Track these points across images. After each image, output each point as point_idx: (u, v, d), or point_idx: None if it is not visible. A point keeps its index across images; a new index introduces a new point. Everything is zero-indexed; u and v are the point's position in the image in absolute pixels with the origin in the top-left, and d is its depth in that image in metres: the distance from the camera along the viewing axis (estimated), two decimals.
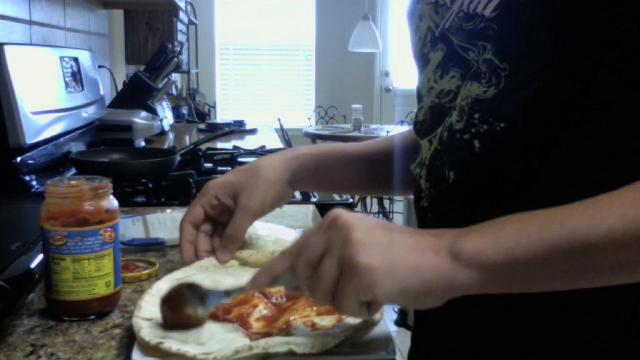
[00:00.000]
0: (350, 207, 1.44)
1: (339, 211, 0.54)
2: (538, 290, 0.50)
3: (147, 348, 0.62)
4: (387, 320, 0.82)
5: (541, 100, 0.50)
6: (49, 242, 0.71)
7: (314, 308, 0.70)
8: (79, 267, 0.71)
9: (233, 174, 0.82)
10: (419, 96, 0.69)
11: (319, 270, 0.53)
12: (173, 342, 0.62)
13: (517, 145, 0.55)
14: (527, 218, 0.50)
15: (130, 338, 0.69)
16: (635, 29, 0.49)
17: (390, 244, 0.50)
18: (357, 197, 4.93)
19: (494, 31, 0.55)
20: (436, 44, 0.63)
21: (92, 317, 0.74)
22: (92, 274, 0.72)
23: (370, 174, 0.86)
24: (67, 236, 0.70)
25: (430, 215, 0.65)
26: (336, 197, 1.48)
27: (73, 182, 0.74)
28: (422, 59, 0.67)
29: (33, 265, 0.83)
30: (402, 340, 0.71)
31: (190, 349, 0.60)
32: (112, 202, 0.74)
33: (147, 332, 0.64)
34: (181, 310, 0.65)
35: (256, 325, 0.68)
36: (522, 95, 0.52)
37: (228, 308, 0.71)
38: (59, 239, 0.70)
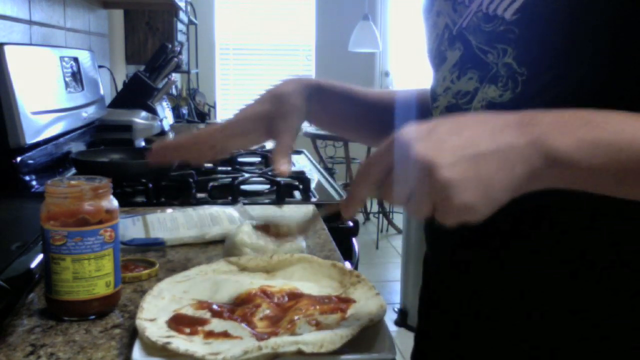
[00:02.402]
0: None
1: (409, 138, 0.49)
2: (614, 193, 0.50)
3: (150, 348, 0.62)
4: (387, 320, 0.82)
5: (556, 106, 0.50)
6: (49, 242, 0.71)
7: (317, 307, 0.70)
8: (79, 267, 0.71)
9: (260, 105, 0.81)
10: (434, 95, 0.69)
11: (411, 202, 0.50)
12: (180, 342, 0.62)
13: None
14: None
15: (130, 338, 0.69)
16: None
17: (478, 167, 0.47)
18: None
19: (514, 35, 0.55)
20: (454, 42, 0.63)
21: (92, 317, 0.74)
22: (92, 274, 0.72)
23: (372, 120, 0.86)
24: (67, 236, 0.70)
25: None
26: (336, 197, 1.48)
27: (73, 182, 0.74)
28: (439, 56, 0.66)
29: (33, 265, 0.83)
30: (402, 340, 0.71)
31: (198, 349, 0.60)
32: (112, 202, 0.74)
33: (153, 332, 0.64)
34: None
35: (260, 325, 0.68)
36: (537, 102, 0.52)
37: (232, 308, 0.71)
38: (59, 239, 0.70)
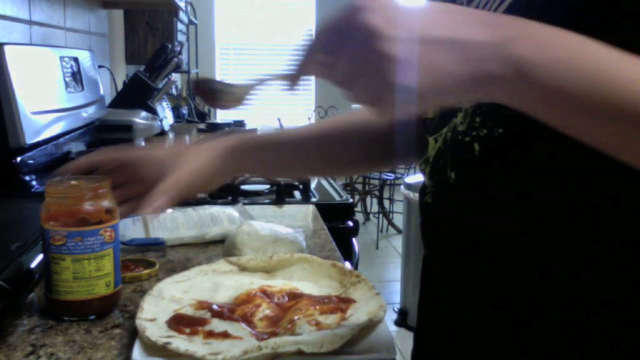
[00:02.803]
0: (350, 207, 1.44)
1: (361, 5, 0.44)
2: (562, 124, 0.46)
3: (150, 348, 0.62)
4: (387, 320, 0.82)
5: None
6: (49, 242, 0.71)
7: (317, 307, 0.70)
8: (79, 267, 0.71)
9: (160, 150, 0.78)
10: None
11: (347, 70, 0.45)
12: (180, 342, 0.62)
13: (514, 152, 0.55)
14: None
15: (130, 338, 0.69)
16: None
17: (427, 51, 0.42)
18: (357, 197, 4.93)
19: None
20: None
21: (92, 317, 0.74)
22: (92, 274, 0.72)
23: (317, 155, 0.84)
24: (67, 236, 0.70)
25: (433, 212, 0.66)
26: (336, 197, 1.48)
27: (73, 182, 0.74)
28: None
29: (33, 265, 0.83)
30: (402, 340, 0.71)
31: (198, 349, 0.60)
32: (112, 202, 0.74)
33: (153, 332, 0.64)
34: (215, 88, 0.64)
35: (260, 325, 0.68)
36: None
37: (232, 308, 0.71)
38: (59, 239, 0.70)
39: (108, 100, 2.33)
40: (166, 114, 2.68)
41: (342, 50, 0.45)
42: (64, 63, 1.66)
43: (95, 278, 0.72)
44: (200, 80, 0.65)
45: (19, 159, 1.30)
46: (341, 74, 0.46)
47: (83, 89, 1.81)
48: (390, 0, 0.44)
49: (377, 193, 4.85)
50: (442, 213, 0.64)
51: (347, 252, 1.32)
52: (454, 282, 0.64)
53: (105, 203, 0.73)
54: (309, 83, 6.03)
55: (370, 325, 0.65)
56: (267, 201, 1.40)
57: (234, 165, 0.79)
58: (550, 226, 0.55)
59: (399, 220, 4.59)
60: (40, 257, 0.84)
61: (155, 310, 0.70)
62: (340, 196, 1.48)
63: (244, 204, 1.28)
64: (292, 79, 0.53)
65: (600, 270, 0.54)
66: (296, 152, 0.82)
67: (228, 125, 2.93)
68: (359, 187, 5.02)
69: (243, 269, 0.85)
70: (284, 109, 5.80)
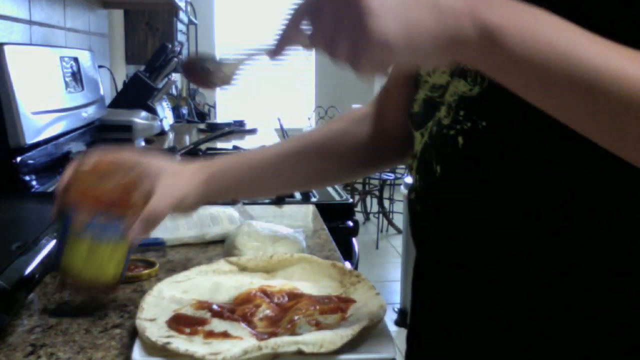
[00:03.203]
0: (350, 207, 1.44)
1: None
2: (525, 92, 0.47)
3: (150, 348, 0.62)
4: (387, 320, 0.82)
5: (523, 101, 0.49)
6: (70, 220, 0.69)
7: (317, 307, 0.70)
8: (93, 252, 0.70)
9: (158, 162, 0.77)
10: (416, 86, 0.70)
11: (332, 38, 0.48)
12: (180, 342, 0.62)
13: (498, 145, 0.56)
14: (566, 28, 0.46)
15: (130, 338, 0.69)
16: (630, 35, 0.49)
17: (405, 8, 0.45)
18: (357, 197, 4.93)
19: None
20: None
21: (94, 298, 0.75)
22: (103, 261, 0.71)
23: (285, 176, 0.84)
24: (91, 220, 0.69)
25: (419, 207, 0.66)
26: (336, 197, 1.48)
27: (103, 170, 0.71)
28: None
29: (33, 265, 0.83)
30: (402, 340, 0.71)
31: (198, 349, 0.60)
32: (141, 196, 0.72)
33: (153, 332, 0.64)
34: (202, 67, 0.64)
35: (260, 325, 0.68)
36: (504, 96, 0.52)
37: (232, 308, 0.71)
38: (82, 219, 0.69)
39: (108, 100, 2.33)
40: (166, 114, 2.68)
41: (322, 13, 0.47)
42: (64, 63, 1.66)
43: (106, 265, 0.71)
44: (190, 59, 0.65)
45: (19, 159, 1.30)
46: (322, 35, 0.48)
47: (83, 89, 1.81)
48: None
49: (377, 193, 4.85)
50: (427, 207, 0.64)
51: (347, 252, 1.32)
52: (443, 281, 0.64)
53: (135, 197, 0.71)
54: (309, 83, 6.03)
55: (370, 325, 0.65)
56: (267, 201, 1.40)
57: (213, 192, 0.79)
58: (536, 219, 0.55)
59: (399, 220, 4.59)
60: (40, 257, 0.85)
61: (155, 310, 0.70)
62: (340, 196, 1.48)
63: (244, 204, 1.28)
64: (277, 48, 0.55)
65: (594, 262, 0.54)
66: (273, 171, 0.83)
67: (228, 125, 2.93)
68: (359, 187, 5.02)
69: (243, 269, 0.85)
70: (284, 108, 5.80)
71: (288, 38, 0.53)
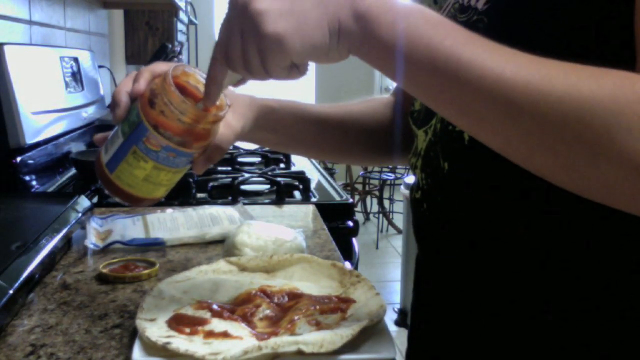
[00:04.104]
0: (350, 207, 1.44)
1: None
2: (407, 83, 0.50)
3: (150, 348, 0.62)
4: (387, 320, 0.82)
5: None
6: (142, 139, 0.64)
7: (317, 307, 0.70)
8: (154, 174, 0.67)
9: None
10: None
11: (243, 56, 0.53)
12: (180, 342, 0.62)
13: None
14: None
15: (130, 338, 0.69)
16: (624, 27, 0.49)
17: (292, 3, 0.50)
18: (357, 197, 4.93)
19: (484, 24, 0.55)
20: None
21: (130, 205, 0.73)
22: (162, 182, 0.68)
23: (320, 138, 0.85)
24: (163, 148, 0.65)
25: (425, 205, 0.65)
26: (336, 197, 1.48)
27: (190, 82, 0.67)
28: None
29: (33, 265, 0.83)
30: (402, 340, 0.71)
31: (198, 349, 0.60)
32: (219, 129, 0.69)
33: (153, 332, 0.64)
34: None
35: (260, 325, 0.68)
36: None
37: (232, 308, 0.71)
38: (154, 144, 0.64)
39: (108, 100, 2.33)
40: None
41: (229, 42, 0.53)
42: (64, 63, 1.66)
43: (162, 185, 0.69)
44: (178, 76, 0.65)
45: (19, 159, 1.30)
46: (235, 58, 0.53)
47: (83, 89, 1.81)
48: None
49: (377, 193, 4.85)
50: (435, 205, 0.64)
51: (347, 252, 1.32)
52: (447, 279, 0.64)
53: (216, 128, 0.67)
54: (309, 83, 6.03)
55: (370, 325, 0.65)
56: (267, 201, 1.40)
57: (259, 129, 0.79)
58: (548, 217, 0.54)
59: (399, 220, 4.59)
60: (40, 257, 0.85)
61: (155, 310, 0.70)
62: (340, 196, 1.48)
63: (244, 204, 1.28)
64: (210, 98, 0.60)
65: (600, 263, 0.54)
66: (315, 128, 0.83)
67: None
68: (359, 187, 5.02)
69: (243, 269, 0.85)
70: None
71: (217, 68, 0.58)
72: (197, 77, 0.67)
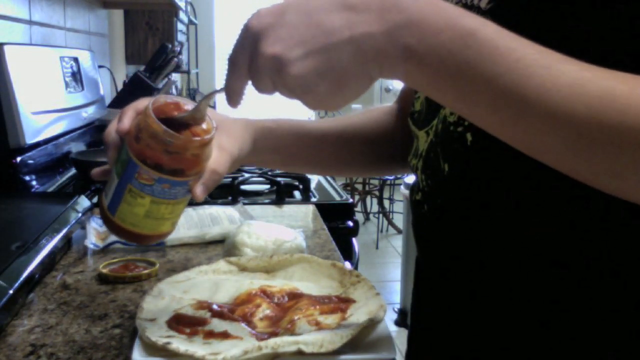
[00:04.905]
0: (350, 207, 1.44)
1: (256, 31, 0.48)
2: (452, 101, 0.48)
3: (150, 348, 0.62)
4: (387, 320, 0.82)
5: None
6: (134, 175, 0.64)
7: (317, 307, 0.70)
8: (154, 209, 0.66)
9: (212, 114, 0.75)
10: None
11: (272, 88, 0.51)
12: (180, 343, 0.62)
13: None
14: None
15: (130, 338, 0.69)
16: (631, 29, 0.49)
17: (329, 58, 0.46)
18: (357, 197, 4.93)
19: None
20: None
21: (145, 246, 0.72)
22: (164, 216, 0.67)
23: (320, 153, 0.84)
24: (157, 180, 0.64)
25: (426, 207, 0.65)
26: (336, 197, 1.48)
27: (180, 135, 0.64)
28: None
29: (33, 265, 0.83)
30: (402, 340, 0.71)
31: (198, 349, 0.60)
32: (208, 154, 0.67)
33: (153, 332, 0.64)
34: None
35: (260, 325, 0.68)
36: None
37: (232, 308, 0.71)
38: (147, 179, 0.64)
39: (108, 100, 2.33)
40: None
41: (259, 73, 0.49)
42: (64, 63, 1.66)
43: (165, 219, 0.67)
44: (160, 107, 0.64)
45: (19, 159, 1.30)
46: (269, 88, 0.50)
47: (83, 89, 1.81)
48: (281, 11, 0.47)
49: (377, 193, 4.85)
50: (435, 207, 0.64)
51: (347, 252, 1.32)
52: (447, 281, 0.64)
53: (207, 153, 0.66)
54: None
55: (370, 325, 0.65)
56: (267, 201, 1.40)
57: (257, 151, 0.77)
58: (549, 218, 0.54)
59: (399, 220, 4.59)
60: (40, 257, 0.85)
61: (155, 310, 0.70)
62: (340, 196, 1.48)
63: (244, 204, 1.28)
64: (230, 100, 0.56)
65: (601, 264, 0.54)
66: (314, 144, 0.82)
67: None
68: (359, 187, 5.02)
69: (243, 269, 0.85)
70: (283, 108, 5.80)
71: (237, 89, 0.55)
72: (181, 105, 0.66)
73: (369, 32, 0.45)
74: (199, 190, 0.67)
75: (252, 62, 0.49)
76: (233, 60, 0.51)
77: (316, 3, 0.47)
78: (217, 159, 0.70)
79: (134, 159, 0.64)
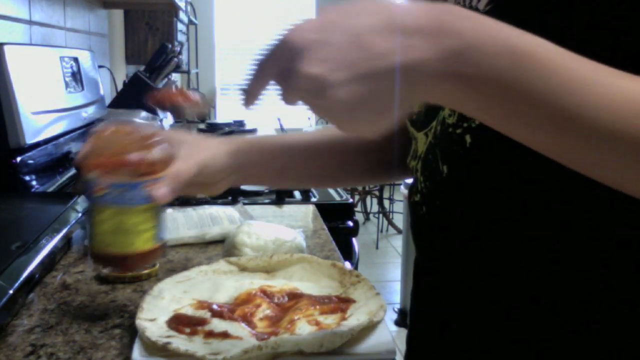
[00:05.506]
0: (350, 207, 1.44)
1: (297, 48, 0.44)
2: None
3: (150, 348, 0.62)
4: (387, 320, 0.82)
5: None
6: (93, 195, 0.66)
7: (317, 307, 0.70)
8: (119, 221, 0.67)
9: (183, 133, 0.76)
10: None
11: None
12: (180, 342, 0.62)
13: (509, 142, 0.55)
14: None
15: (130, 338, 0.69)
16: (633, 32, 0.49)
17: (376, 86, 0.43)
18: (357, 197, 4.93)
19: None
20: None
21: (132, 270, 0.72)
22: (133, 229, 0.67)
23: (310, 164, 0.82)
24: (110, 187, 0.65)
25: (424, 208, 0.65)
26: (336, 197, 1.48)
27: (119, 130, 0.68)
28: None
29: (33, 265, 0.83)
30: (402, 340, 0.71)
31: (198, 349, 0.60)
32: (160, 154, 0.69)
33: (153, 332, 0.64)
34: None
35: (260, 325, 0.68)
36: None
37: (232, 308, 0.71)
38: (101, 189, 0.65)
39: (108, 100, 2.33)
40: (166, 114, 2.68)
41: (293, 87, 0.45)
42: (64, 63, 1.66)
43: (136, 232, 0.67)
44: (109, 127, 0.67)
45: (19, 159, 1.30)
46: (298, 100, 0.47)
47: (83, 89, 1.81)
48: (324, 28, 0.44)
49: (377, 193, 4.85)
50: (433, 209, 0.64)
51: (347, 252, 1.32)
52: (446, 282, 0.64)
53: (153, 154, 0.68)
54: None
55: (370, 325, 0.65)
56: (267, 201, 1.40)
57: (238, 165, 0.76)
58: (548, 222, 0.54)
59: (399, 220, 4.59)
60: (40, 257, 0.85)
61: (155, 310, 0.70)
62: (340, 196, 1.48)
63: (244, 204, 1.28)
64: (247, 100, 0.54)
65: (600, 265, 0.54)
66: (300, 157, 0.80)
67: (228, 125, 2.93)
68: (359, 187, 5.02)
69: (243, 269, 0.85)
70: (284, 108, 5.80)
71: (256, 94, 0.52)
72: (130, 123, 0.70)
73: (422, 59, 0.42)
74: (159, 192, 0.67)
75: (286, 75, 0.45)
76: (262, 66, 0.48)
77: (364, 23, 0.43)
78: (180, 165, 0.70)
79: (89, 175, 0.66)
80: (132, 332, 0.70)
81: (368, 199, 5.08)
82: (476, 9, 0.57)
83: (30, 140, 1.33)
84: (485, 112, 0.46)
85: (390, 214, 4.88)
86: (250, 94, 0.52)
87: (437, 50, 0.42)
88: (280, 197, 1.40)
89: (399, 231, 4.61)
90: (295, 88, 0.45)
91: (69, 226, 0.98)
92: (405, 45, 0.42)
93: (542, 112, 0.43)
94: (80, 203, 1.08)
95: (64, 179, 1.52)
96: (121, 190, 0.66)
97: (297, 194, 1.49)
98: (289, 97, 0.47)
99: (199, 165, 0.71)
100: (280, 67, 0.45)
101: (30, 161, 1.36)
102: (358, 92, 0.42)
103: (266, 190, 1.49)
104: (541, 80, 0.43)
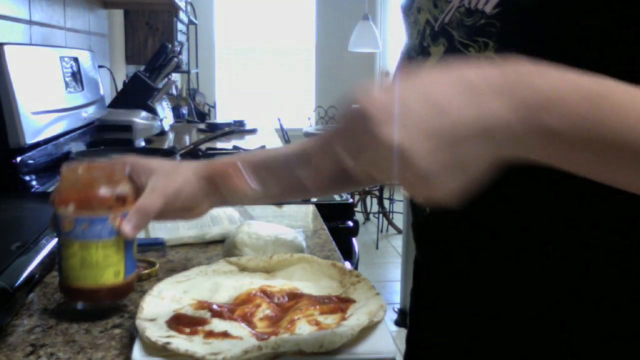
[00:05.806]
0: (350, 207, 1.44)
1: (372, 118, 0.41)
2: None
3: (150, 348, 0.62)
4: (387, 320, 0.82)
5: None
6: (62, 230, 0.69)
7: (317, 307, 0.70)
8: (86, 254, 0.69)
9: (155, 161, 0.75)
10: None
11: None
12: (180, 342, 0.62)
13: None
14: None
15: (130, 338, 0.69)
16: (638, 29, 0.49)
17: (459, 152, 0.41)
18: (357, 197, 4.93)
19: (496, 28, 0.55)
20: (437, 38, 0.63)
21: (103, 304, 0.74)
22: (99, 262, 0.69)
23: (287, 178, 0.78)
24: (76, 221, 0.68)
25: (428, 209, 0.65)
26: (336, 197, 1.48)
27: (87, 167, 0.71)
28: (422, 52, 0.66)
29: (33, 265, 0.83)
30: (402, 340, 0.71)
31: (198, 349, 0.60)
32: (126, 189, 0.71)
33: (153, 332, 0.64)
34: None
35: (260, 325, 0.68)
36: None
37: (232, 308, 0.71)
38: (68, 223, 0.68)
39: (108, 100, 2.33)
40: (166, 114, 2.68)
41: (370, 160, 0.43)
42: (64, 63, 1.67)
43: (103, 266, 0.70)
44: (79, 167, 0.71)
45: (19, 159, 1.30)
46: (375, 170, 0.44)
47: (83, 89, 1.81)
48: (399, 96, 0.42)
49: (377, 193, 4.85)
50: (437, 209, 0.64)
51: (347, 252, 1.32)
52: (446, 283, 0.64)
53: (118, 189, 0.70)
54: (309, 83, 6.03)
55: (370, 325, 0.65)
56: None
57: (214, 189, 0.73)
58: (549, 224, 0.54)
59: (399, 220, 4.59)
60: (40, 257, 0.85)
61: (155, 310, 0.70)
62: (340, 196, 1.48)
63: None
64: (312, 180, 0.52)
65: (601, 265, 0.54)
66: (282, 171, 0.77)
67: (228, 125, 2.93)
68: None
69: (243, 269, 0.85)
70: (284, 108, 5.80)
71: (325, 171, 0.48)
72: (101, 159, 0.74)
73: (503, 121, 0.41)
74: (126, 227, 0.70)
75: (361, 146, 0.42)
76: (328, 140, 0.45)
77: (440, 90, 0.42)
78: (146, 199, 0.71)
79: (57, 212, 0.70)
80: (132, 332, 0.70)
81: (368, 199, 5.08)
82: (482, 12, 0.56)
83: (30, 140, 1.33)
84: (570, 160, 0.44)
85: (390, 214, 4.88)
86: (318, 171, 0.49)
87: (516, 110, 0.41)
88: None
89: (399, 231, 4.61)
90: (373, 158, 0.42)
91: None
92: (483, 108, 0.41)
93: (624, 150, 0.42)
94: None
95: None
96: (87, 225, 0.69)
97: None
98: (363, 168, 0.44)
99: (168, 195, 0.71)
100: (350, 137, 0.43)
101: (30, 161, 1.36)
102: (442, 161, 0.41)
103: None
104: (619, 120, 0.42)
